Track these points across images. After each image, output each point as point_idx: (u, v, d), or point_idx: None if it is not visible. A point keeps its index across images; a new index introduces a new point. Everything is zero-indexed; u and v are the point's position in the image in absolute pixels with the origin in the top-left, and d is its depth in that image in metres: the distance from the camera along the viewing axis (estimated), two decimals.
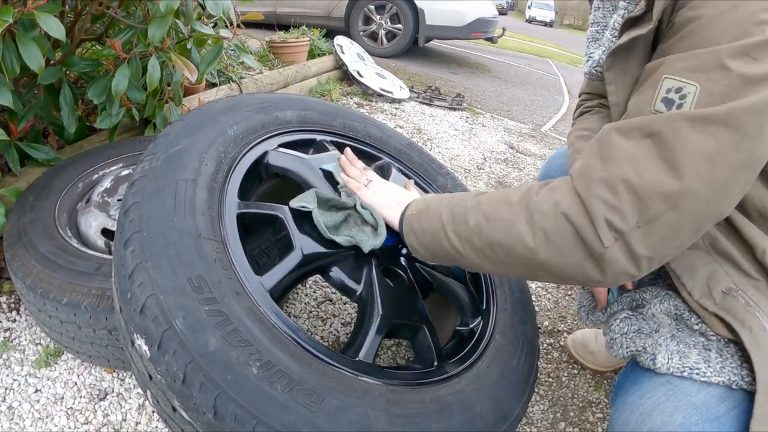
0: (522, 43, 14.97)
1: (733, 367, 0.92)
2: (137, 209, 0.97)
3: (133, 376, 1.34)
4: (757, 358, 0.89)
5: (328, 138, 1.48)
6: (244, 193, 1.18)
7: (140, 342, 0.86)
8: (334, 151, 1.40)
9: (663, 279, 1.16)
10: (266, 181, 1.36)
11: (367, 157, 1.52)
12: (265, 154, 1.28)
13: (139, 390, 1.49)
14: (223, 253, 0.99)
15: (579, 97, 1.57)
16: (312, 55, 4.81)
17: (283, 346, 0.91)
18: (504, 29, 8.50)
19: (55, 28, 1.49)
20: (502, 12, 38.34)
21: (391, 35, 6.88)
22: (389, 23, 6.82)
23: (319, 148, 1.42)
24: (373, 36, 6.92)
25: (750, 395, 0.89)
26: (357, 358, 1.05)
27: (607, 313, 1.20)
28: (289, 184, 1.33)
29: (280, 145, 1.34)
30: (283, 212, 1.17)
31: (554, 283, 1.00)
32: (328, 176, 1.32)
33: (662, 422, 0.91)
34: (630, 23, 0.98)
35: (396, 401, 0.96)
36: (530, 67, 9.72)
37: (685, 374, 0.94)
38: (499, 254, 0.95)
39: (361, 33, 6.89)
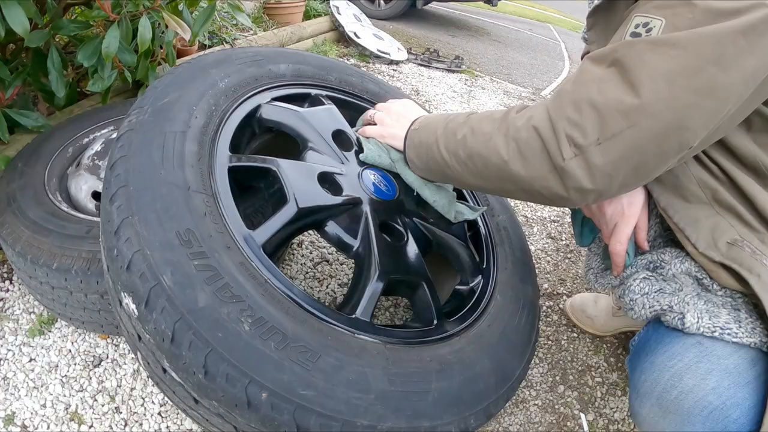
0: (523, 7, 14.78)
1: (764, 328, 0.91)
2: (123, 163, 0.93)
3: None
4: None
5: (324, 92, 1.44)
6: (236, 147, 1.15)
7: (128, 301, 0.82)
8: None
9: (677, 244, 1.13)
10: (259, 136, 1.32)
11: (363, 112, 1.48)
12: (258, 107, 1.25)
13: (134, 355, 1.46)
14: (214, 207, 0.95)
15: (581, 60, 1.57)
16: (308, 16, 4.73)
17: (277, 302, 0.88)
18: None
19: None
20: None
21: None
22: None
23: (314, 102, 1.38)
24: None
25: None
26: (354, 316, 1.02)
27: (620, 277, 1.17)
28: (283, 139, 1.29)
29: (274, 99, 1.30)
30: (276, 165, 1.13)
31: (524, 198, 1.04)
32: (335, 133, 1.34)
33: (694, 385, 0.90)
34: None
35: (394, 360, 0.94)
36: (531, 31, 9.60)
37: (716, 334, 0.93)
38: (479, 165, 1.03)
39: None
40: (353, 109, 1.45)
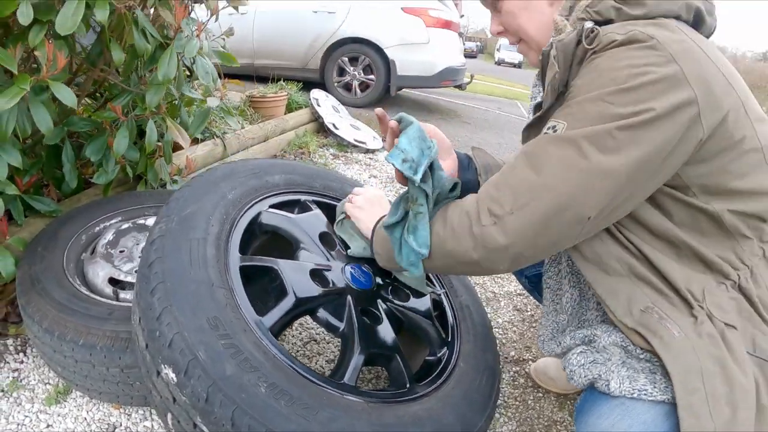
0: (491, 86, 15.32)
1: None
2: (160, 264, 1.19)
3: (152, 405, 1.48)
4: (668, 359, 1.05)
5: (311, 198, 1.72)
6: (243, 248, 1.41)
7: (167, 371, 1.07)
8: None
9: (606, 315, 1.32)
10: (259, 237, 1.58)
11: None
12: (258, 214, 1.52)
13: (145, 423, 1.62)
14: (231, 299, 1.21)
15: None
16: (290, 108, 5.01)
17: (284, 371, 1.13)
18: (472, 76, 8.80)
19: (68, 97, 1.65)
20: (471, 55, 38.97)
21: (364, 86, 7.11)
22: (362, 74, 7.05)
23: (303, 207, 1.65)
24: (347, 86, 7.15)
25: None
26: (342, 381, 1.27)
27: (561, 346, 1.36)
28: (278, 239, 1.56)
29: (271, 206, 1.58)
30: (277, 264, 1.40)
31: (466, 272, 1.31)
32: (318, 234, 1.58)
33: None
34: (537, 107, 1.29)
35: (376, 414, 1.17)
36: (499, 110, 9.93)
37: (635, 395, 1.07)
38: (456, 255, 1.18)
39: (336, 84, 7.12)
40: (333, 210, 1.71)
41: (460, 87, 8.35)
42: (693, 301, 1.11)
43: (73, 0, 1.58)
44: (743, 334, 1.09)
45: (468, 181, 1.54)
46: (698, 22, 1.15)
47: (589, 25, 1.10)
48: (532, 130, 1.31)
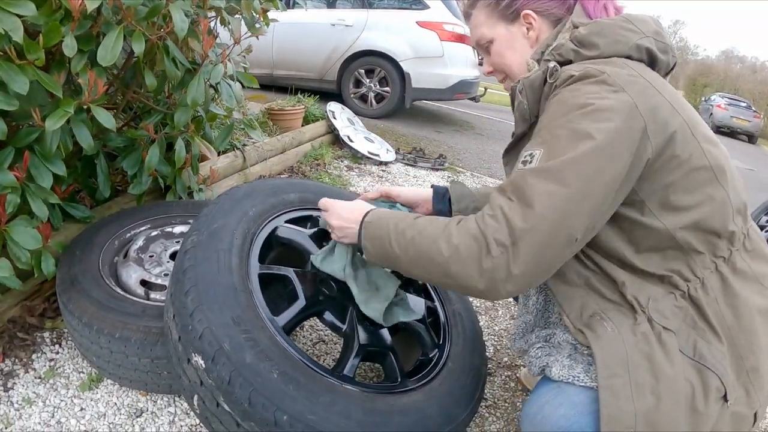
0: (506, 96, 15.14)
1: None
2: (192, 270, 1.43)
3: (180, 389, 1.66)
4: (596, 348, 1.19)
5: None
6: (261, 258, 1.63)
7: (197, 358, 1.30)
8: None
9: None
10: (276, 248, 1.79)
11: None
12: (275, 228, 1.75)
13: (169, 409, 1.78)
14: (251, 301, 1.44)
15: None
16: (307, 120, 5.15)
17: (293, 362, 1.35)
18: (486, 88, 8.94)
19: (108, 121, 1.84)
20: None
21: (379, 97, 7.26)
22: (378, 86, 7.22)
23: (314, 222, 1.86)
24: (363, 98, 7.31)
25: None
26: (342, 373, 1.49)
27: (528, 343, 1.53)
28: (293, 250, 1.78)
29: (286, 221, 1.80)
30: (290, 273, 1.63)
31: (460, 292, 1.29)
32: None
33: (550, 413, 1.21)
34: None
35: (369, 401, 1.39)
36: (513, 121, 10.01)
37: (570, 380, 1.23)
38: (425, 262, 1.24)
39: (352, 95, 7.29)
40: None
41: (473, 99, 8.50)
42: (637, 307, 1.24)
43: (112, 33, 1.77)
44: (684, 338, 1.20)
45: (440, 211, 1.72)
46: (652, 60, 1.30)
47: (552, 64, 1.30)
48: (510, 154, 1.53)
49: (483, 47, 1.51)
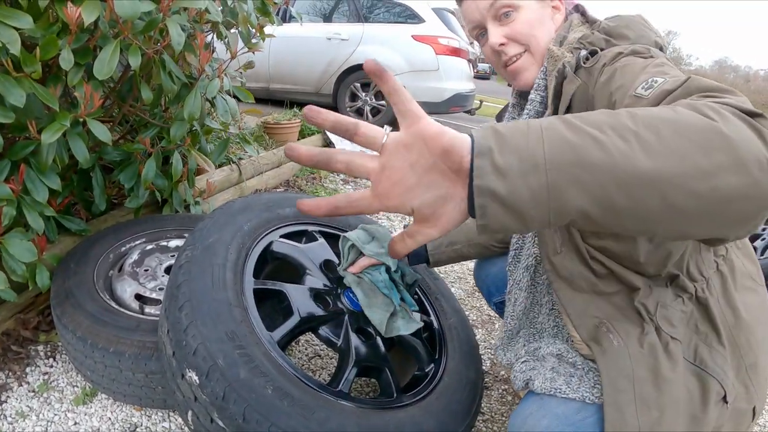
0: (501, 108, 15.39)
1: (587, 387, 1.19)
2: (187, 285, 1.42)
3: (175, 405, 1.64)
4: (602, 363, 1.17)
5: (317, 228, 1.94)
6: (256, 273, 1.63)
7: (191, 374, 1.29)
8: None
9: (560, 329, 1.49)
10: (271, 263, 1.79)
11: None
12: (270, 243, 1.74)
13: (164, 424, 1.79)
14: (246, 317, 1.43)
15: None
16: (303, 134, 5.18)
17: (288, 378, 1.34)
18: (481, 101, 8.97)
19: (103, 134, 1.86)
20: (484, 77, 38.76)
21: (375, 111, 7.29)
22: (374, 100, 7.26)
23: (309, 237, 1.87)
24: (359, 111, 7.34)
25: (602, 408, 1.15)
26: (337, 389, 1.48)
27: (514, 353, 1.53)
28: (287, 265, 1.77)
29: (281, 236, 1.80)
30: (285, 288, 1.62)
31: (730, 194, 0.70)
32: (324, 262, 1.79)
33: (533, 424, 1.19)
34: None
35: (364, 417, 1.38)
36: None
37: (551, 393, 1.22)
38: (666, 134, 0.68)
39: (348, 108, 7.32)
40: (337, 238, 1.88)
41: (469, 112, 8.53)
42: (645, 315, 1.22)
43: (109, 47, 1.78)
44: (687, 343, 1.20)
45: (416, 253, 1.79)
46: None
47: (584, 52, 1.27)
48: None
49: (500, 13, 1.38)
